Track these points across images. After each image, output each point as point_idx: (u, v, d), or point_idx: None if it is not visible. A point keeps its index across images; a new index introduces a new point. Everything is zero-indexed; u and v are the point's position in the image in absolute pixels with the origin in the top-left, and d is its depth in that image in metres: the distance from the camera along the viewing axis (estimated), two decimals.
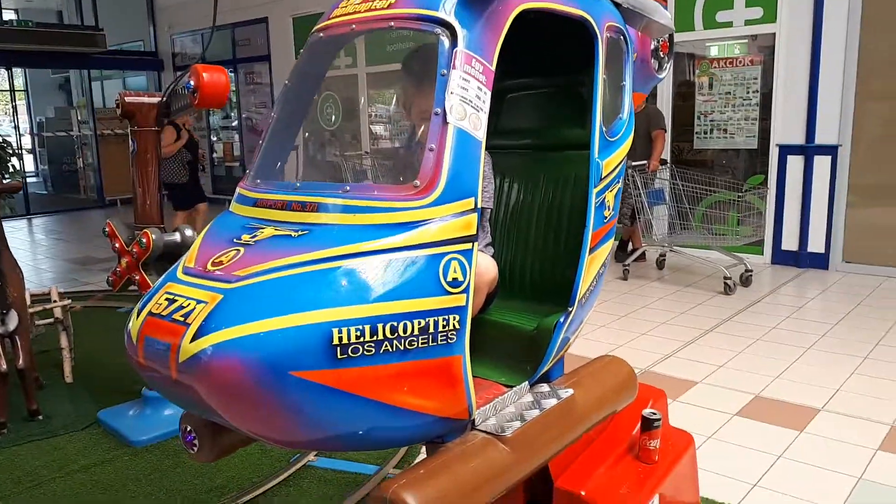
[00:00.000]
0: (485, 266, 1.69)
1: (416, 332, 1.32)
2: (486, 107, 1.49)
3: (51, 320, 3.88)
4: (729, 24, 6.64)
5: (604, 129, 1.89)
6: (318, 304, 1.25)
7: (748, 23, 6.56)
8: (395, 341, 1.30)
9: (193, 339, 1.24)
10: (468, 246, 1.43)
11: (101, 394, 3.76)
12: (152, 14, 13.46)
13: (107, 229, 3.32)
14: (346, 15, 1.62)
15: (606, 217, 1.92)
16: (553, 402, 1.71)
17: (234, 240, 1.46)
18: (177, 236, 3.21)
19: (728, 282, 5.65)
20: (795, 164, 6.43)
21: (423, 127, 1.62)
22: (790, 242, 6.53)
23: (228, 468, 3.00)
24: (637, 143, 6.21)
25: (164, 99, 3.30)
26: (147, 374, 1.42)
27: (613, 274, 6.28)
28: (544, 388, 1.80)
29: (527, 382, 1.79)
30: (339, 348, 1.24)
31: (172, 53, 13.32)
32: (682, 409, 3.49)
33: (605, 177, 1.88)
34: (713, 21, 6.74)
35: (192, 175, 7.32)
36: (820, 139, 6.25)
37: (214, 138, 12.97)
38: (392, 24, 1.51)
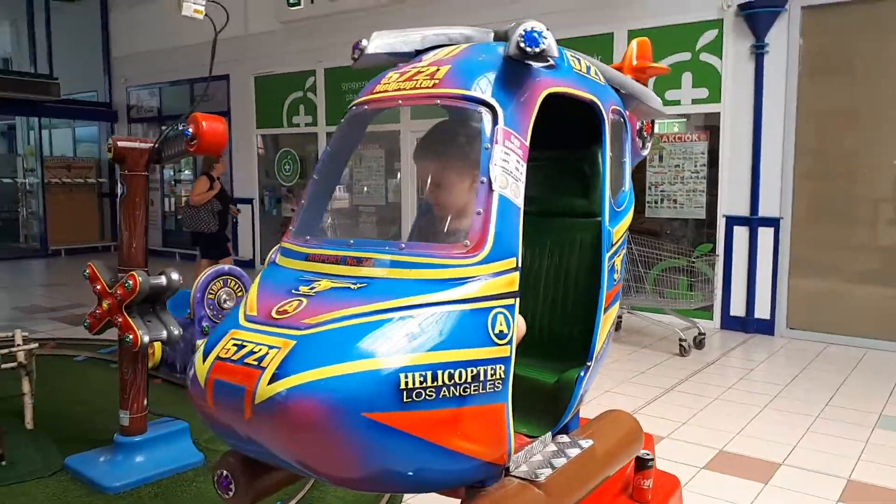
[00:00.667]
0: (520, 322, 1.82)
1: (469, 380, 1.42)
2: (523, 178, 1.65)
3: (13, 364, 3.74)
4: (677, 103, 7.11)
5: (611, 199, 2.07)
6: (387, 350, 1.36)
7: (695, 102, 7.03)
8: (451, 387, 1.40)
9: (271, 381, 1.33)
10: (512, 301, 1.56)
11: (64, 441, 3.63)
12: (108, 65, 13.42)
13: (87, 271, 3.29)
14: (390, 91, 1.76)
15: (616, 279, 2.09)
16: (576, 451, 1.82)
17: (293, 290, 1.54)
18: (162, 279, 3.21)
19: (683, 343, 5.88)
20: (741, 234, 6.82)
21: (441, 194, 1.83)
22: (738, 308, 6.85)
23: None
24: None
25: (157, 145, 3.34)
26: (215, 416, 1.47)
27: None
28: (565, 438, 1.92)
29: (549, 433, 1.89)
30: (405, 392, 1.35)
31: (128, 105, 13.25)
32: None
33: (614, 243, 2.06)
34: (663, 99, 7.20)
35: (222, 225, 7.36)
36: (763, 212, 6.67)
37: (167, 191, 12.84)
38: (438, 101, 1.67)
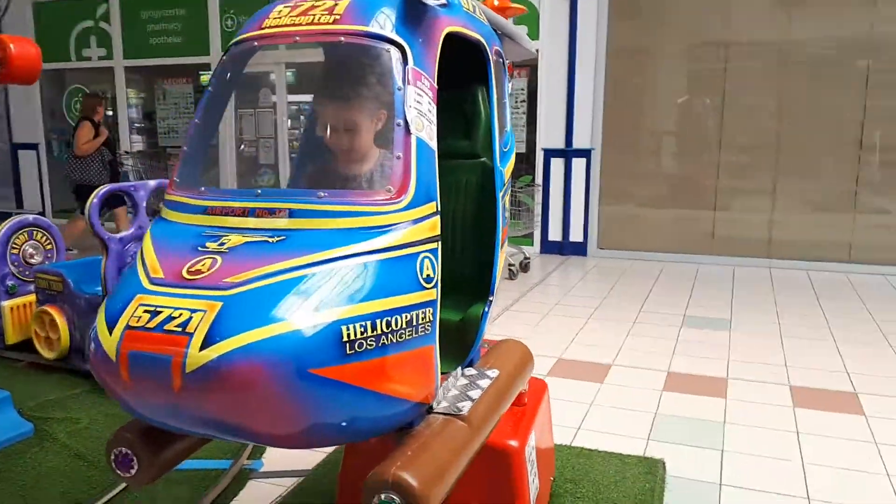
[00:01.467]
0: None
1: (404, 325, 1.43)
2: (435, 120, 1.63)
3: None
4: None
5: (499, 140, 2.13)
6: (326, 304, 1.32)
7: None
8: (389, 335, 1.40)
9: (203, 346, 1.24)
10: (435, 245, 1.57)
11: None
12: None
13: None
14: (283, 26, 1.65)
15: (507, 218, 2.18)
16: (486, 381, 1.91)
17: (199, 248, 1.43)
18: None
19: (512, 268, 6.28)
20: (557, 165, 7.33)
21: (352, 138, 1.72)
22: (555, 234, 7.41)
23: (54, 485, 2.70)
24: None
25: None
26: (131, 392, 1.34)
27: None
28: (472, 371, 2.00)
29: (459, 368, 1.97)
30: (347, 344, 1.33)
31: None
32: None
33: (505, 182, 2.13)
34: None
35: (114, 177, 6.67)
36: (577, 144, 7.20)
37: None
38: (342, 38, 1.59)
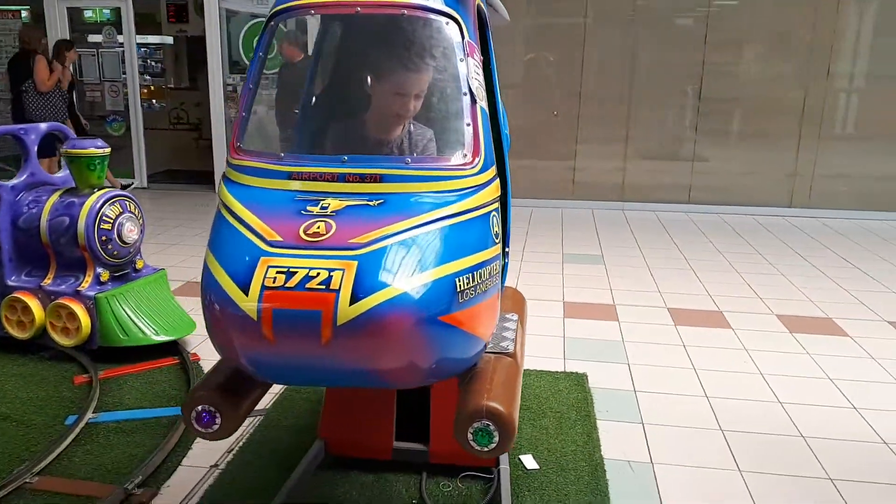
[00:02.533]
0: None
1: (487, 276, 1.61)
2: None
3: None
4: None
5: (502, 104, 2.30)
6: (444, 260, 1.48)
7: None
8: (481, 284, 1.57)
9: (352, 302, 1.35)
10: (498, 205, 1.76)
11: None
12: None
13: None
14: None
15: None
16: (511, 323, 2.14)
17: (303, 212, 1.51)
18: None
19: None
20: None
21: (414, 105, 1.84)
22: None
23: None
24: None
25: None
26: (274, 347, 1.39)
27: None
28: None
29: None
30: (459, 294, 1.49)
31: None
32: None
33: (510, 144, 2.35)
34: None
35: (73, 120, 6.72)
36: None
37: None
38: (404, 12, 1.69)
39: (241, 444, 2.62)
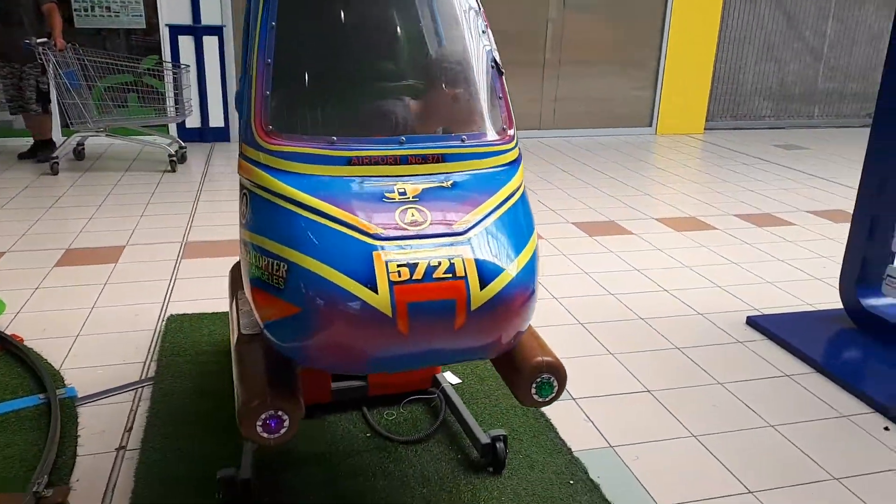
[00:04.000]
0: None
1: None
2: None
3: None
4: None
5: None
6: (529, 235, 1.52)
7: None
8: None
9: (482, 286, 1.38)
10: None
11: None
12: None
13: None
14: None
15: None
16: None
17: (384, 199, 1.46)
18: None
19: (173, 160, 5.87)
20: (187, 43, 6.83)
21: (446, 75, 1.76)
22: (193, 120, 7.02)
23: None
24: (26, 19, 5.51)
25: None
26: (408, 340, 1.37)
27: (39, 171, 5.66)
28: None
29: None
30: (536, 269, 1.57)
31: None
32: None
33: None
34: None
35: None
36: (206, 20, 6.79)
37: None
38: None
39: (139, 418, 2.36)
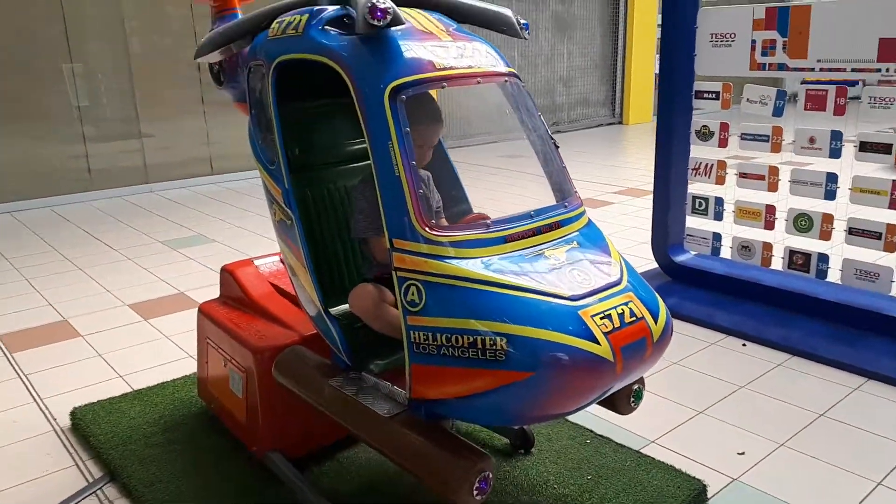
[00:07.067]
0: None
1: None
2: None
3: None
4: None
5: None
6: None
7: None
8: None
9: (656, 321, 1.66)
10: None
11: None
12: None
13: None
14: (461, 68, 1.76)
15: None
16: None
17: (553, 269, 1.65)
18: None
19: None
20: None
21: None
22: None
23: None
24: None
25: None
26: (619, 377, 1.57)
27: None
28: None
29: None
30: None
31: None
32: None
33: None
34: None
35: None
36: None
37: None
38: (506, 80, 1.87)
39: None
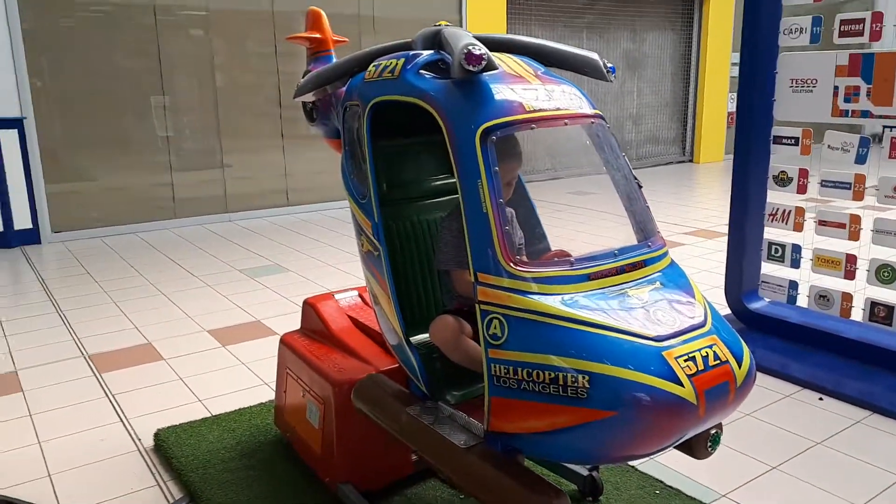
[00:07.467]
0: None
1: None
2: None
3: None
4: None
5: None
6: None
7: None
8: None
9: (740, 366, 1.63)
10: None
11: None
12: None
13: None
14: (549, 110, 1.79)
15: None
16: None
17: (633, 307, 1.64)
18: None
19: None
20: None
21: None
22: None
23: None
24: None
25: None
26: (701, 420, 1.55)
27: None
28: None
29: None
30: None
31: None
32: None
33: None
34: None
35: None
36: (2, 112, 6.05)
37: None
38: (592, 121, 1.90)
39: None
